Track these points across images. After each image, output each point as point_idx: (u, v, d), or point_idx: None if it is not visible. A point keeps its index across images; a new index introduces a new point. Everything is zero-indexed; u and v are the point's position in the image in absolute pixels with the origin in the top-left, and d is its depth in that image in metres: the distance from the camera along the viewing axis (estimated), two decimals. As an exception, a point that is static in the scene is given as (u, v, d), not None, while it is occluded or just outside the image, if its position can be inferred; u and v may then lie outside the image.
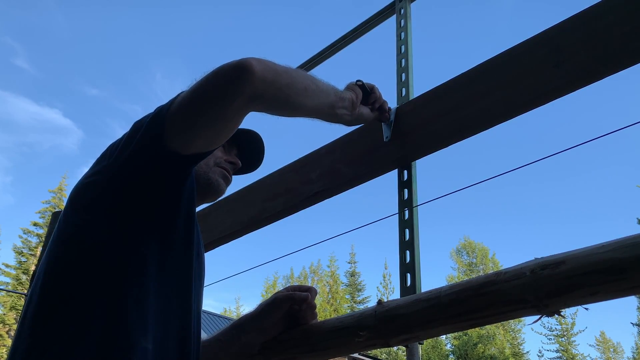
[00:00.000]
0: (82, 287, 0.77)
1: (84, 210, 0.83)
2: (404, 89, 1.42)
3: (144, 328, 0.77)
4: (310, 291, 1.02)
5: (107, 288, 0.77)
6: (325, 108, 1.00)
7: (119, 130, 50.35)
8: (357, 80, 1.14)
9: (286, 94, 0.86)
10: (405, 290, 1.14)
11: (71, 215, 0.85)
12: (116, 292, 0.77)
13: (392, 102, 1.39)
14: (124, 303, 0.76)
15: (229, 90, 0.79)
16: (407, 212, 1.24)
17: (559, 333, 28.45)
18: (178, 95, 0.85)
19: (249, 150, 1.17)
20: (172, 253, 0.85)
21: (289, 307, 1.01)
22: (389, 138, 1.29)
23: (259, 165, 1.21)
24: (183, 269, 0.87)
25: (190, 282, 0.89)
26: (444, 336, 27.96)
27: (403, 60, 1.48)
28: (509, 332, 29.59)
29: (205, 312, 16.30)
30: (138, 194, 0.83)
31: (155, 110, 0.86)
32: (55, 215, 2.46)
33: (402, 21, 1.56)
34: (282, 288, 1.08)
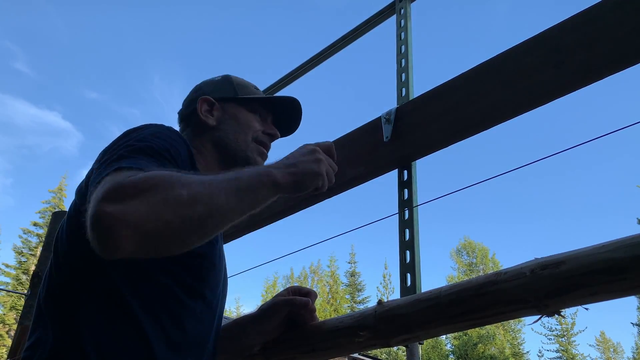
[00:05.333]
0: (87, 292, 0.76)
1: (76, 216, 0.83)
2: (404, 89, 1.42)
3: (157, 335, 0.76)
4: (310, 295, 1.02)
5: (114, 293, 0.76)
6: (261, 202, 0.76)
7: (118, 133, 50.01)
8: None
9: (176, 246, 0.66)
10: (405, 290, 1.14)
11: (74, 216, 0.84)
12: (124, 296, 0.76)
13: (392, 102, 1.39)
14: (130, 308, 0.75)
15: (102, 255, 0.61)
16: (407, 212, 1.24)
17: (559, 333, 28.44)
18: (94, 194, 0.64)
19: (286, 115, 1.14)
20: (187, 258, 0.83)
21: (289, 310, 1.01)
22: (389, 138, 1.29)
23: (295, 130, 1.17)
24: (201, 272, 0.86)
25: (212, 286, 0.88)
26: (444, 336, 27.96)
27: (403, 60, 1.48)
28: (509, 332, 29.59)
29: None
30: None
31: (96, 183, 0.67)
32: (55, 215, 2.46)
33: (402, 21, 1.56)
34: (282, 288, 1.08)
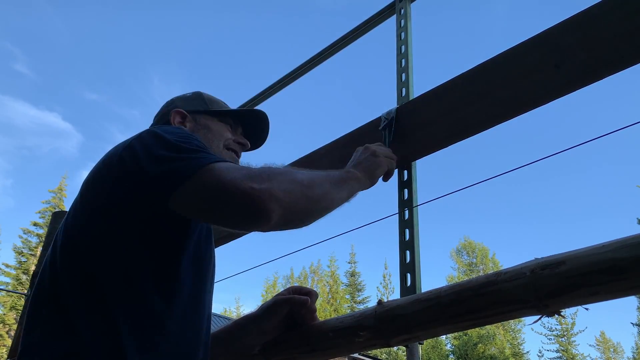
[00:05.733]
0: (73, 295, 0.76)
1: (88, 209, 0.83)
2: (404, 89, 1.42)
3: (144, 339, 0.75)
4: (311, 294, 1.02)
5: (111, 291, 0.76)
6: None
7: (118, 134, 50.49)
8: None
9: (300, 224, 0.84)
10: (405, 290, 1.14)
11: (78, 211, 0.84)
12: (120, 296, 0.76)
13: (392, 102, 1.39)
14: (126, 310, 0.75)
15: (240, 225, 0.76)
16: (407, 212, 1.24)
17: (559, 333, 28.44)
18: (197, 171, 0.74)
19: (254, 128, 1.20)
20: (180, 258, 0.83)
21: (289, 310, 1.01)
22: (390, 140, 1.29)
23: (264, 143, 1.24)
24: (191, 275, 0.86)
25: (200, 287, 0.88)
26: (444, 336, 27.96)
27: (403, 61, 1.48)
28: (509, 332, 29.59)
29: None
30: (131, 207, 0.80)
31: (172, 160, 0.77)
32: (55, 215, 2.46)
33: (402, 21, 1.56)
34: (282, 288, 1.07)
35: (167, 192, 0.75)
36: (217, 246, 1.79)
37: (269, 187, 0.73)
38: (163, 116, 1.13)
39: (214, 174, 0.74)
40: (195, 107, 1.12)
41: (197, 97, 1.16)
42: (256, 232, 0.87)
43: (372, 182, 1.04)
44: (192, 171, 0.74)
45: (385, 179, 1.15)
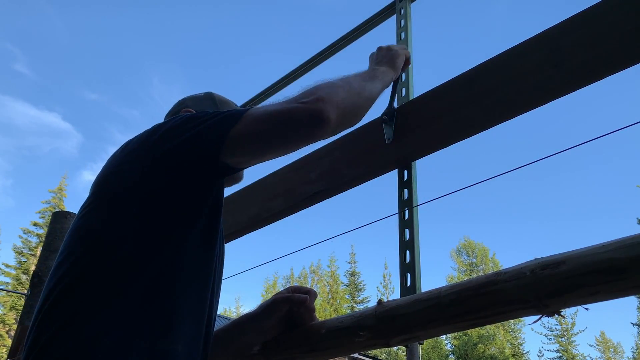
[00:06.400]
0: (104, 283, 0.76)
1: (111, 201, 0.83)
2: (404, 89, 1.42)
3: (170, 328, 0.76)
4: (310, 294, 1.02)
5: (133, 285, 0.76)
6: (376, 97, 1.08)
7: (118, 134, 50.50)
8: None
9: (350, 123, 0.94)
10: (405, 290, 1.14)
11: (97, 205, 0.84)
12: (142, 288, 0.76)
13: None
14: (149, 300, 0.76)
15: (304, 138, 0.84)
16: (407, 212, 1.24)
17: (559, 333, 28.44)
18: (244, 113, 0.83)
19: None
20: (199, 250, 0.85)
21: (288, 308, 1.01)
22: (391, 139, 1.29)
23: None
24: (208, 266, 0.87)
25: (214, 280, 0.90)
26: (444, 336, 27.95)
27: (403, 60, 1.48)
28: (509, 332, 29.58)
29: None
30: (171, 188, 0.82)
31: (214, 116, 0.84)
32: (55, 215, 2.46)
33: (402, 21, 1.56)
34: (282, 288, 1.08)
35: (221, 137, 0.80)
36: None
37: (319, 96, 0.82)
38: (174, 115, 1.14)
39: (259, 109, 0.83)
40: (205, 107, 1.13)
41: (208, 97, 1.17)
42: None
43: (396, 72, 1.18)
44: (238, 116, 0.82)
45: (404, 69, 1.28)
